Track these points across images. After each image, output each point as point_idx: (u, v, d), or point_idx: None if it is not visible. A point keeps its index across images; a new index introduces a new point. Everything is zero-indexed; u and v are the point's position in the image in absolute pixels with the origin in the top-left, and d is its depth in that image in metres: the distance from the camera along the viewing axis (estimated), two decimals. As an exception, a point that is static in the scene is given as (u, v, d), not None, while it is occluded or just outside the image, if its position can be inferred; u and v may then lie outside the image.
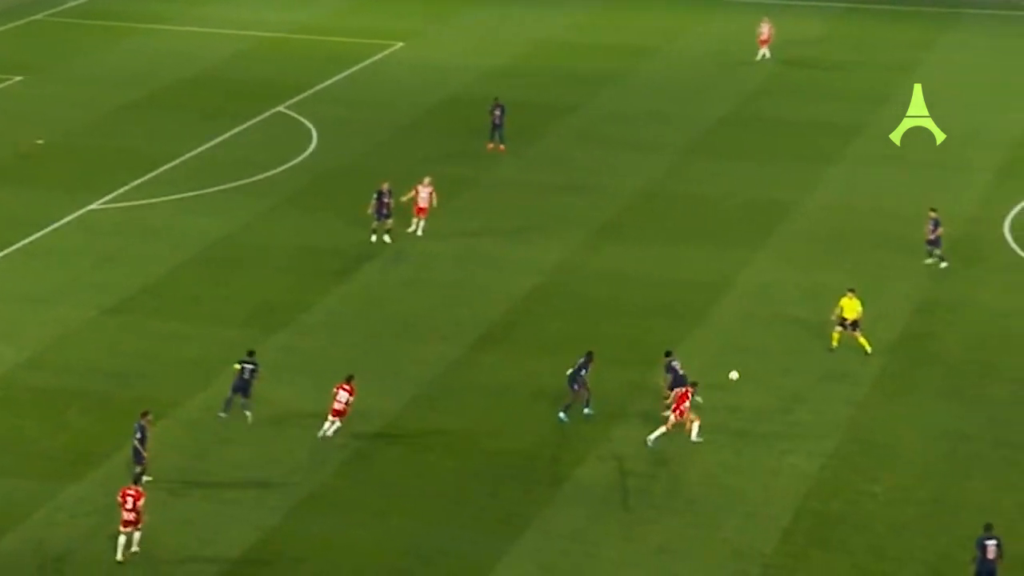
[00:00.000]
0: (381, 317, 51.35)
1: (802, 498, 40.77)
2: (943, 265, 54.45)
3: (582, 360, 44.77)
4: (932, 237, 54.30)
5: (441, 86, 76.08)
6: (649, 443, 42.96)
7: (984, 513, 39.71)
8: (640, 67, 79.78)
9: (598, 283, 54.10)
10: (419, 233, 57.17)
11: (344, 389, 43.39)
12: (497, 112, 66.51)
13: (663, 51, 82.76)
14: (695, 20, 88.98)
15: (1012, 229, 58.46)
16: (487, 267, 55.33)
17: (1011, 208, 60.39)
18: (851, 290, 48.91)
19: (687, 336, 49.16)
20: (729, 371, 45.32)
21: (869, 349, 48.24)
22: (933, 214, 54.52)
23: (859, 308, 48.38)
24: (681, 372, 44.50)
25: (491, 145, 66.68)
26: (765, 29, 79.67)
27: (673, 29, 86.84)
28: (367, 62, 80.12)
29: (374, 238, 56.66)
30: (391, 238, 56.63)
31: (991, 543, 36.24)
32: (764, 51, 79.45)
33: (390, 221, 56.61)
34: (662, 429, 42.93)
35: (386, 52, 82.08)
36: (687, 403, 42.92)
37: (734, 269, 54.99)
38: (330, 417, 43.39)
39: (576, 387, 44.49)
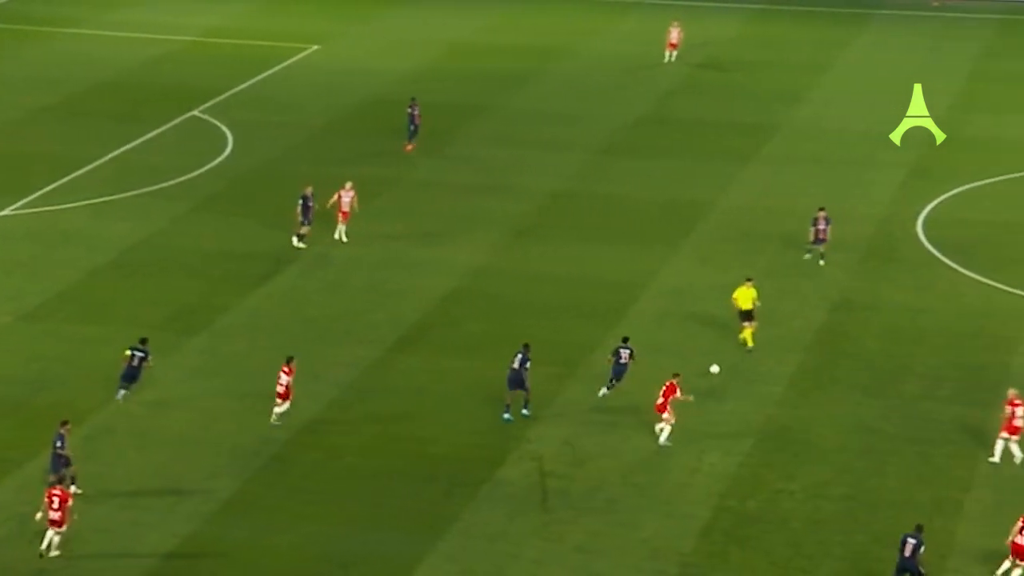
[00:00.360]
0: (300, 320, 51.17)
1: (720, 496, 41.01)
2: (807, 256, 55.07)
3: (521, 355, 44.72)
4: (823, 236, 54.87)
5: (357, 88, 75.93)
6: (661, 444, 43.14)
7: (899, 509, 40.21)
8: (554, 68, 79.98)
9: (515, 284, 54.18)
10: (344, 239, 56.83)
11: (284, 371, 43.93)
12: (415, 112, 66.47)
13: (576, 52, 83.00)
14: (608, 21, 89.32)
15: (924, 227, 59.11)
16: (404, 270, 55.26)
17: (924, 206, 61.04)
18: (748, 279, 49.44)
19: (604, 336, 49.30)
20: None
21: (751, 344, 48.56)
22: (822, 212, 55.14)
23: (754, 296, 48.83)
24: (623, 362, 44.98)
25: (410, 147, 66.66)
26: (675, 34, 79.87)
27: (586, 30, 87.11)
28: (282, 65, 79.81)
29: (295, 241, 56.46)
30: (306, 243, 56.42)
31: (911, 541, 36.57)
32: (671, 55, 79.51)
33: (309, 227, 56.32)
34: (667, 429, 43.14)
35: (301, 55, 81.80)
36: (677, 394, 43.19)
37: (650, 269, 55.23)
38: (277, 400, 43.94)
39: (526, 386, 44.51)
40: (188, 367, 47.61)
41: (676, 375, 43.71)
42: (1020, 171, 64.92)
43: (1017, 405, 42.47)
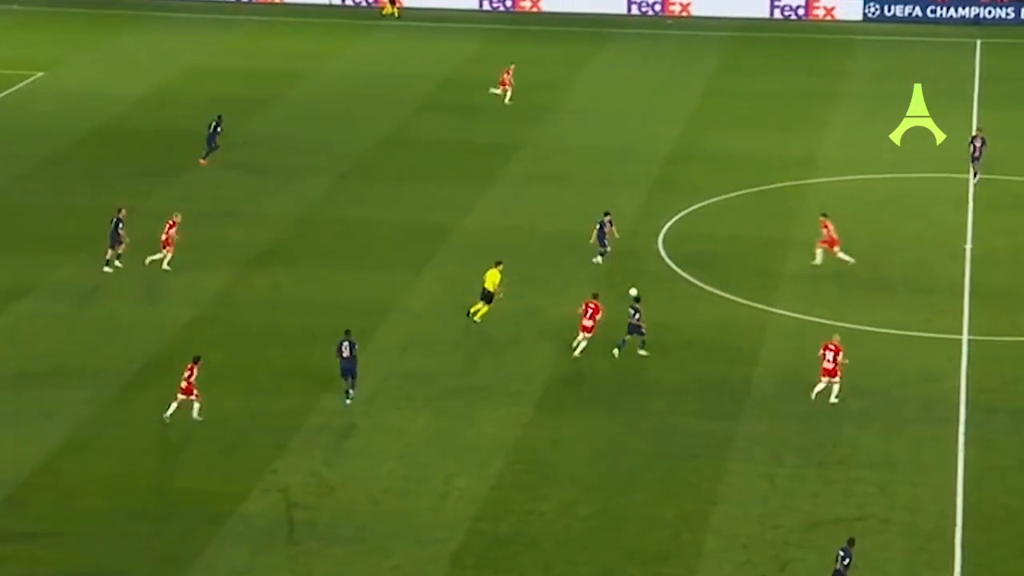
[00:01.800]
0: (30, 358, 49.34)
1: (472, 520, 40.64)
2: (597, 259, 56.98)
3: (347, 343, 46.05)
4: (607, 240, 57.09)
5: (88, 115, 73.91)
6: (576, 356, 48.13)
7: (647, 525, 40.36)
8: (292, 92, 79.03)
9: (258, 311, 53.17)
10: (165, 267, 55.97)
11: (189, 369, 44.89)
12: (218, 129, 66.33)
13: (315, 75, 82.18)
14: (347, 43, 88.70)
15: (665, 243, 59.70)
16: (143, 301, 53.81)
17: (664, 222, 61.66)
18: (498, 263, 51.98)
19: (350, 362, 48.61)
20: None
21: (478, 320, 50.93)
22: (608, 216, 57.30)
23: (497, 281, 51.26)
24: (638, 308, 49.26)
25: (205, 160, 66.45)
26: (506, 77, 77.87)
27: (324, 53, 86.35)
28: (3, 94, 77.20)
29: (107, 268, 55.24)
30: (120, 263, 55.41)
31: (840, 554, 36.96)
32: (499, 90, 77.73)
33: (121, 247, 55.32)
34: (584, 343, 48.58)
35: (25, 82, 79.31)
36: (600, 315, 48.55)
37: (396, 292, 54.73)
38: (179, 396, 44.96)
39: (355, 371, 46.00)
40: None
41: (596, 295, 49.13)
42: (754, 186, 66.07)
43: (828, 349, 46.28)
